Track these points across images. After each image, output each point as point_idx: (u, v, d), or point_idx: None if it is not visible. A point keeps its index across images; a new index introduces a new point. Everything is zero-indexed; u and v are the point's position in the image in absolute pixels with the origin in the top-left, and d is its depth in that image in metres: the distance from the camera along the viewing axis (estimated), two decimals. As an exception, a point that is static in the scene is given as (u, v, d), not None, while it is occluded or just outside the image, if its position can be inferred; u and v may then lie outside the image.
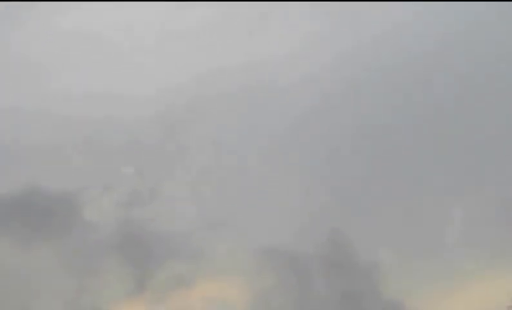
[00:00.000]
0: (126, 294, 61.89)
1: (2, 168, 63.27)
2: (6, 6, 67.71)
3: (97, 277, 61.71)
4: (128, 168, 64.59)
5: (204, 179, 65.00)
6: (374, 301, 62.35)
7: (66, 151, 64.64)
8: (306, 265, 62.87)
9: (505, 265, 62.43)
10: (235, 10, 67.84)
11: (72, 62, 67.25)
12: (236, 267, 62.46)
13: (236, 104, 66.81)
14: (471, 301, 62.62)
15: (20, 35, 68.11)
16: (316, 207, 64.25)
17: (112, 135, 64.81)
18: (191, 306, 62.09)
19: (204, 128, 66.41)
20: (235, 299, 62.31)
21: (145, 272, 62.22)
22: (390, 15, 70.32)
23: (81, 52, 67.52)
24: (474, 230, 64.01)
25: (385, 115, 68.45)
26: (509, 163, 65.07)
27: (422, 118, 68.67)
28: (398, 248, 63.38)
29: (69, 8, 67.40)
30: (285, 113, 67.45)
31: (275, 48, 68.59)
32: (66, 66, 67.09)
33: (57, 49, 67.31)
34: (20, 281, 60.96)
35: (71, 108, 65.28)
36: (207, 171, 65.39)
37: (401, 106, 68.90)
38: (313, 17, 70.54)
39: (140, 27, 68.03)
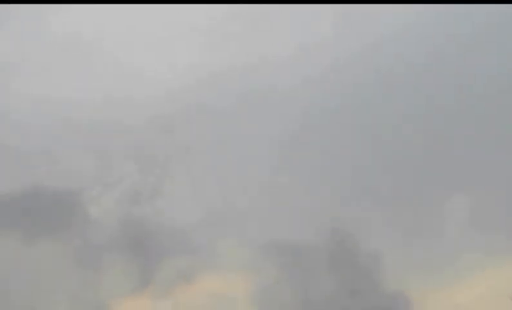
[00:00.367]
0: (130, 289, 62.55)
1: (9, 168, 64.37)
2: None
3: (101, 273, 62.47)
4: (130, 167, 65.58)
5: (205, 177, 65.76)
6: (376, 293, 62.58)
7: (70, 151, 65.72)
8: (308, 259, 63.29)
9: (508, 255, 62.57)
10: (236, 10, 68.75)
11: (69, 64, 68.31)
12: (238, 262, 63.02)
13: (238, 104, 67.74)
14: (473, 291, 62.73)
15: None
16: (317, 202, 64.77)
17: (114, 134, 65.79)
18: (194, 300, 62.63)
19: (205, 126, 67.32)
20: (237, 293, 62.79)
21: (148, 268, 62.92)
22: (393, 17, 70.98)
23: (78, 55, 68.63)
24: (476, 221, 64.25)
25: (387, 114, 68.97)
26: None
27: (423, 116, 69.25)
28: (399, 240, 63.72)
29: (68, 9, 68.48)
30: (286, 112, 68.20)
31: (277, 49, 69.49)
32: (63, 69, 68.21)
33: (55, 54, 68.50)
34: (27, 277, 61.79)
35: (73, 110, 66.35)
36: (208, 168, 66.17)
37: (402, 105, 69.41)
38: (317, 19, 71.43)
39: (141, 29, 69.07)
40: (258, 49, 68.22)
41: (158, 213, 64.21)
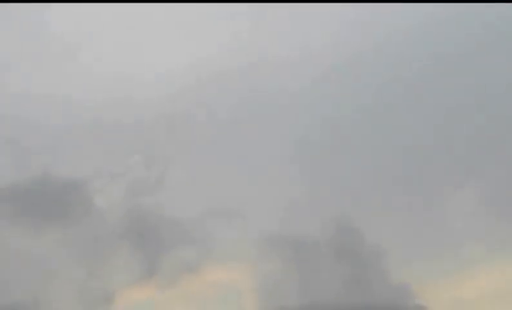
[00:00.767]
0: (135, 279, 63.11)
1: (16, 158, 65.18)
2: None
3: (107, 262, 62.98)
4: (136, 157, 66.30)
5: (211, 168, 66.32)
6: (380, 286, 62.65)
7: (77, 143, 66.54)
8: (311, 251, 63.54)
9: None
10: (237, 9, 69.29)
11: (69, 64, 69.14)
12: (242, 252, 63.30)
13: (242, 99, 68.43)
14: (478, 285, 62.75)
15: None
16: (320, 195, 65.12)
17: (120, 125, 66.55)
18: (198, 290, 63.08)
19: (211, 120, 67.99)
20: (241, 284, 63.17)
21: (154, 258, 63.42)
22: (397, 17, 71.29)
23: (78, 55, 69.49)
24: (482, 216, 64.25)
25: (389, 114, 69.31)
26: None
27: (425, 115, 69.58)
28: (404, 233, 63.87)
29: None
30: (288, 111, 68.77)
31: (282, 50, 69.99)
32: (65, 68, 69.01)
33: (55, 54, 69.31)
34: (33, 266, 62.38)
35: (81, 109, 67.27)
36: (214, 160, 66.76)
37: (405, 105, 69.75)
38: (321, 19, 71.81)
39: (141, 28, 69.80)
40: (259, 49, 68.92)
41: (163, 204, 64.77)
